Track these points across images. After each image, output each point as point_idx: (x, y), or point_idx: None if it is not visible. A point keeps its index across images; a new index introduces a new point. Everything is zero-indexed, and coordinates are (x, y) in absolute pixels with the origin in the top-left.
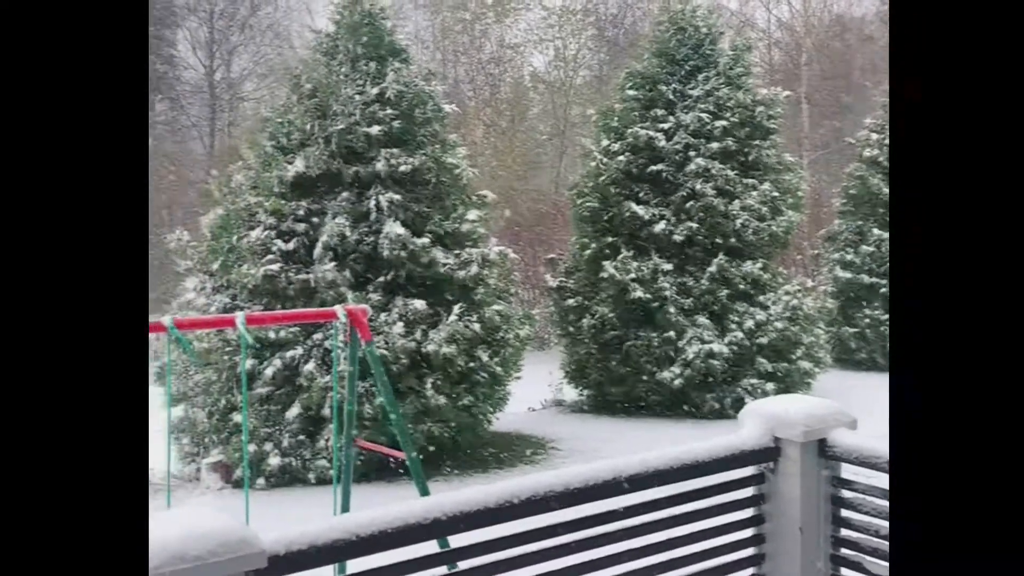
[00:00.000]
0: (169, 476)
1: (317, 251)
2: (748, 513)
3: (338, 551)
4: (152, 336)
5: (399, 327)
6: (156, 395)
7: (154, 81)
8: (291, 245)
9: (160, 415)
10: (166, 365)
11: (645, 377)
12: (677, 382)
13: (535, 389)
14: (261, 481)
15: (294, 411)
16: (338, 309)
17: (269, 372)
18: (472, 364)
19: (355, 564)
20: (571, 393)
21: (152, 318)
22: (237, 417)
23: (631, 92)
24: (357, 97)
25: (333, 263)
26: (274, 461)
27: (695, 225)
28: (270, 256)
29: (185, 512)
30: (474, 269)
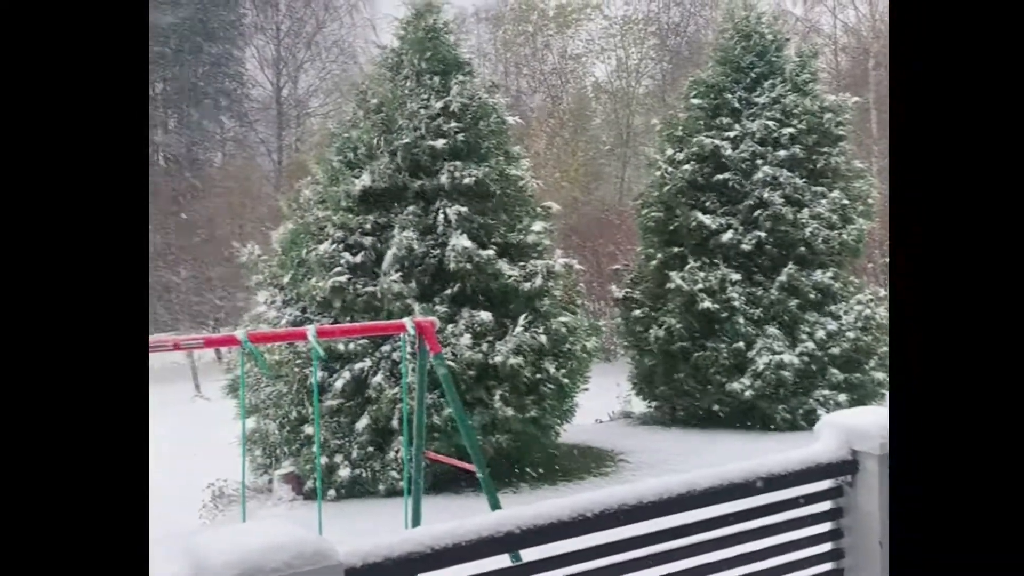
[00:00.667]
0: (244, 489)
1: (385, 264)
2: (826, 527)
3: (413, 564)
4: (224, 349)
5: (466, 339)
6: (230, 407)
7: (223, 99)
8: (358, 258)
9: (233, 427)
10: (239, 378)
11: (714, 389)
12: (747, 393)
13: (602, 401)
14: (331, 492)
15: (363, 423)
16: (407, 322)
17: (339, 384)
18: (539, 376)
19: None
20: (639, 405)
21: (226, 331)
22: (308, 429)
23: (696, 101)
24: (422, 111)
25: (399, 275)
26: (344, 473)
27: (763, 234)
28: (338, 269)
29: (262, 524)
30: (539, 281)
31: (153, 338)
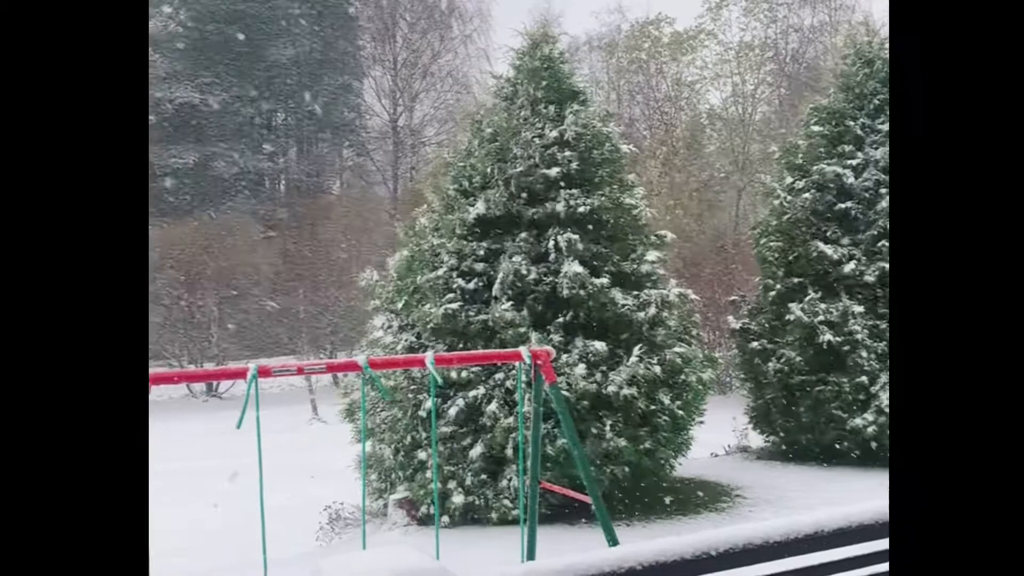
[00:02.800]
0: (364, 515)
1: (494, 290)
2: None
3: None
4: (341, 372)
5: (580, 368)
6: (346, 431)
7: (342, 129)
8: (471, 285)
9: (349, 450)
10: (356, 402)
11: (836, 424)
12: (871, 430)
13: (718, 434)
14: (445, 519)
15: (477, 450)
16: (523, 350)
17: (452, 411)
18: (653, 407)
19: None
20: (756, 439)
21: (343, 355)
22: (422, 454)
23: (816, 128)
24: (536, 140)
25: (511, 303)
26: (458, 499)
27: (887, 265)
28: (450, 296)
29: (387, 550)
30: (653, 310)
31: (278, 363)
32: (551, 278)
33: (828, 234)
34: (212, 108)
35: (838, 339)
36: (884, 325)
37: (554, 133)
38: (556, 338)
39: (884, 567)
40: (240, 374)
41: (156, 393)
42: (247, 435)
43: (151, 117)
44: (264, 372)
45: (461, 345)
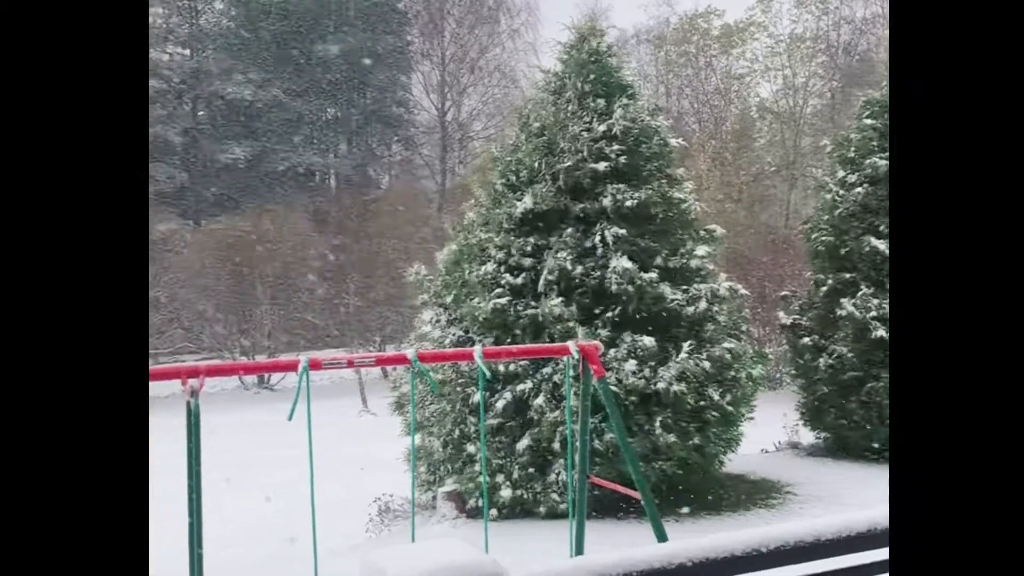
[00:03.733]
0: (413, 508)
1: (540, 285)
2: None
3: None
4: (391, 366)
5: (630, 363)
6: (395, 423)
7: (390, 123)
8: (519, 280)
9: (398, 443)
10: (406, 395)
11: (888, 420)
12: None
13: (768, 430)
14: (493, 512)
15: (524, 443)
16: (571, 345)
17: (500, 405)
18: (702, 403)
19: None
20: (807, 435)
21: (392, 349)
22: (470, 447)
23: (869, 121)
24: (584, 134)
25: (560, 298)
26: (505, 493)
27: None
28: (498, 290)
29: (438, 543)
30: (703, 305)
31: (329, 355)
32: (599, 273)
33: (880, 228)
34: (263, 103)
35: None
36: None
37: (602, 127)
38: (604, 333)
39: None
40: (291, 366)
41: (209, 385)
42: (298, 427)
43: (202, 112)
44: (315, 365)
45: (509, 339)
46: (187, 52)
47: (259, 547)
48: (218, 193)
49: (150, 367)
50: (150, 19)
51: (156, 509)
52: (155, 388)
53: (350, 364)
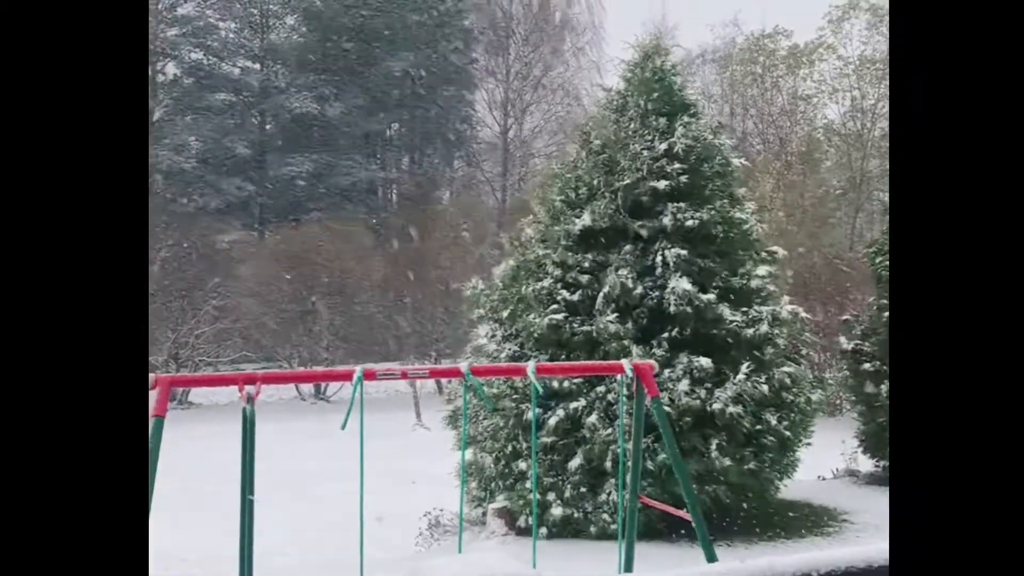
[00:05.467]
0: (462, 522)
1: (598, 303)
2: None
3: None
4: (444, 380)
5: (684, 384)
6: (448, 438)
7: (453, 140)
8: (576, 296)
9: (451, 457)
10: (459, 409)
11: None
12: None
13: (826, 457)
14: (543, 530)
15: (576, 462)
16: (625, 363)
17: (553, 422)
18: (759, 427)
19: None
20: (866, 463)
21: (447, 362)
22: (522, 464)
23: None
24: (645, 152)
25: (615, 316)
26: (556, 511)
27: None
28: (555, 306)
29: (482, 555)
30: (763, 328)
31: (383, 367)
32: (657, 292)
33: None
34: (329, 118)
35: None
36: None
37: (663, 145)
38: (660, 352)
39: None
40: (346, 376)
41: (266, 394)
42: (351, 438)
43: (269, 125)
44: (369, 375)
45: (564, 356)
46: (257, 66)
47: (308, 556)
48: (283, 205)
49: (209, 374)
50: (222, 33)
51: (207, 512)
52: (216, 395)
53: (404, 375)
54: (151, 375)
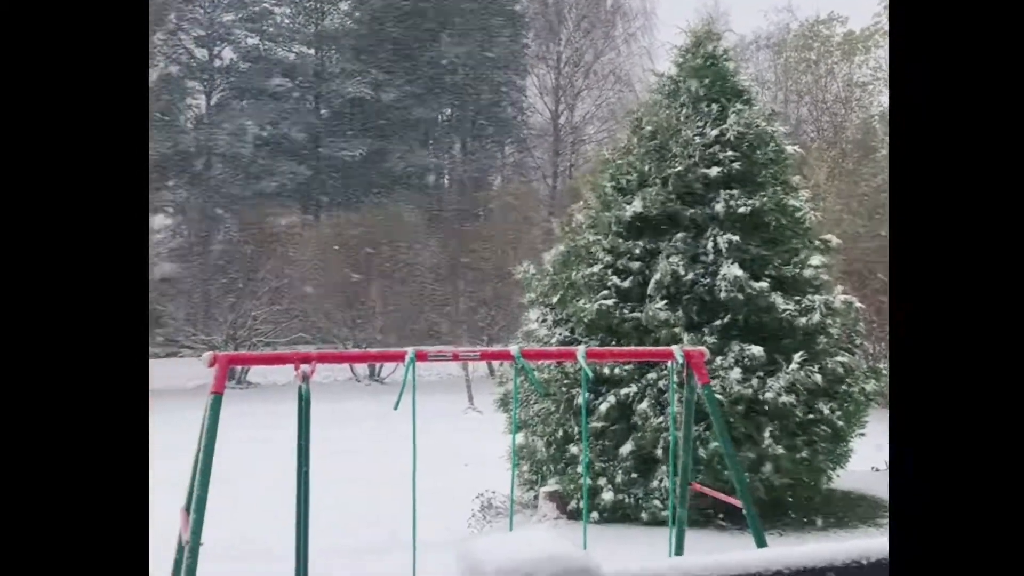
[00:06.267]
0: (513, 504)
1: (649, 289)
2: None
3: None
4: (496, 364)
5: (736, 372)
6: (500, 421)
7: (504, 126)
8: (626, 283)
9: (502, 440)
10: (511, 393)
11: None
12: None
13: (880, 448)
14: (594, 515)
15: (627, 448)
16: (675, 349)
17: (603, 408)
18: (811, 416)
19: None
20: None
21: (499, 347)
22: (573, 448)
23: None
24: (697, 139)
25: (665, 303)
26: (607, 496)
27: None
28: (604, 292)
29: (532, 534)
30: (816, 317)
31: (435, 349)
32: (708, 280)
33: None
34: (382, 103)
35: None
36: None
37: (715, 132)
38: (711, 340)
39: None
40: (399, 357)
41: (322, 375)
42: (404, 419)
43: (324, 110)
44: (421, 356)
45: (614, 342)
46: (312, 51)
47: (360, 535)
48: (337, 189)
49: (266, 353)
50: (277, 18)
51: (263, 489)
52: (273, 375)
53: (455, 357)
54: (209, 353)
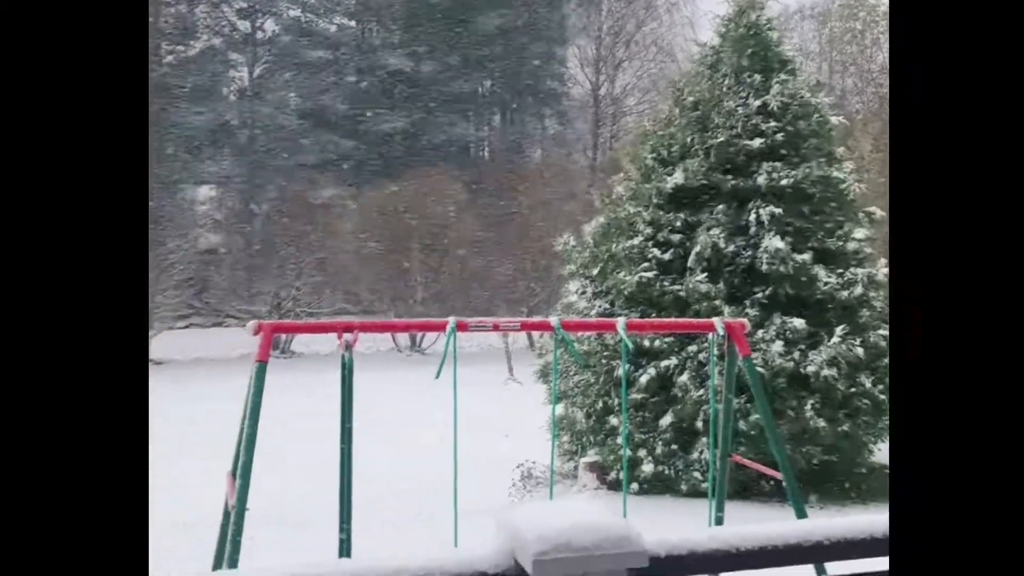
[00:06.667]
0: (553, 472)
1: (690, 261)
2: None
3: (716, 562)
4: (536, 336)
5: (777, 345)
6: (540, 392)
7: (544, 97)
8: (667, 255)
9: (542, 411)
10: (551, 364)
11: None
12: None
13: None
14: (634, 486)
15: (667, 420)
16: (716, 321)
17: (643, 380)
18: (853, 389)
19: None
20: None
21: (539, 317)
22: (613, 420)
23: None
24: (739, 109)
25: (706, 275)
26: (647, 468)
27: None
28: (645, 264)
29: (572, 503)
30: (859, 290)
31: (475, 319)
32: (750, 252)
33: None
34: (423, 75)
35: None
36: None
37: (758, 103)
38: (752, 313)
39: None
40: (439, 327)
41: (364, 346)
42: (445, 389)
43: (365, 83)
44: (462, 326)
45: (654, 315)
46: (353, 24)
47: (402, 503)
48: (379, 161)
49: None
50: None
51: (306, 457)
52: (316, 344)
53: (496, 327)
54: (254, 322)
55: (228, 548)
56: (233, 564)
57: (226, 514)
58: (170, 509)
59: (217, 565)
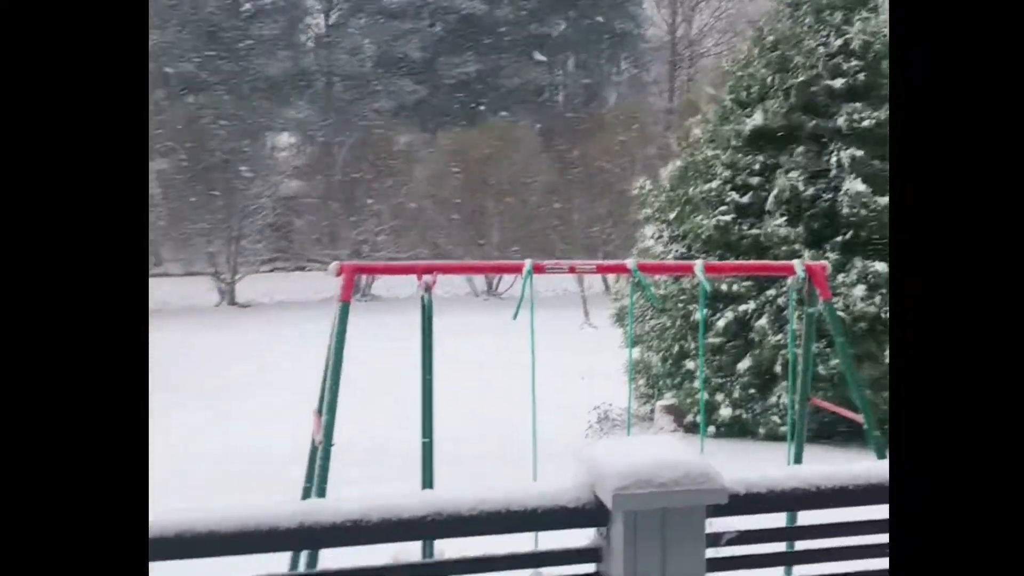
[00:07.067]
0: (630, 412)
1: (769, 205)
2: None
3: (795, 500)
4: (612, 280)
5: (859, 289)
6: (615, 336)
7: (620, 40)
8: (745, 199)
9: (618, 355)
10: (626, 308)
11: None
12: None
13: None
14: (711, 429)
15: (745, 364)
16: (796, 264)
17: (721, 324)
18: None
19: (806, 517)
20: None
21: (615, 260)
22: (689, 364)
23: None
24: (820, 49)
25: (785, 219)
26: (725, 412)
27: None
28: (723, 208)
29: (654, 439)
30: None
31: (551, 262)
32: (830, 195)
33: None
34: (496, 18)
35: None
36: None
37: (839, 42)
38: (833, 257)
39: None
40: (516, 269)
41: (442, 289)
42: (522, 332)
43: (437, 27)
44: (538, 268)
45: (732, 259)
46: None
47: (481, 443)
48: (453, 107)
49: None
50: None
51: (388, 397)
52: (396, 288)
53: (572, 270)
54: (336, 263)
55: (316, 479)
56: (321, 494)
57: (313, 449)
58: (256, 440)
59: (306, 496)
